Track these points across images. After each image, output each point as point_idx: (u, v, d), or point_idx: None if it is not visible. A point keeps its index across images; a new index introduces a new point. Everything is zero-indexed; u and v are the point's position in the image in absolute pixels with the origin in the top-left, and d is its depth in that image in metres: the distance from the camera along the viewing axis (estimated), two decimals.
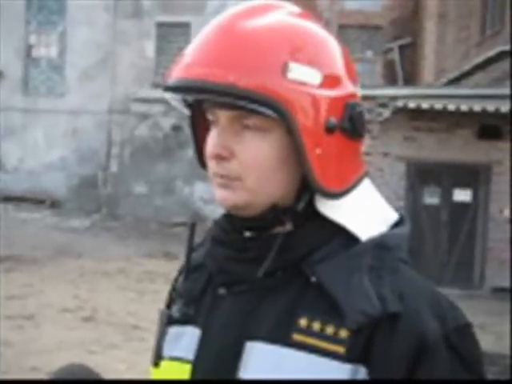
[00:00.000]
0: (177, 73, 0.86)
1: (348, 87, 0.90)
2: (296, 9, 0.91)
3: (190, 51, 0.87)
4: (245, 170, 0.86)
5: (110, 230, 15.15)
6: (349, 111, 0.88)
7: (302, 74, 0.84)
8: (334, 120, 0.86)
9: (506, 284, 9.95)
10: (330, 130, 0.86)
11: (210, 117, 0.90)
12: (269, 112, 0.83)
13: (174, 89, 0.88)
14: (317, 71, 0.85)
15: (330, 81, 0.87)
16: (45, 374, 5.01)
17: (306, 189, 0.88)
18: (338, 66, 0.89)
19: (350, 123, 0.88)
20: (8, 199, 16.71)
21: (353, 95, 0.90)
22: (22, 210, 16.21)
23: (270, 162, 0.86)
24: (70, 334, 6.49)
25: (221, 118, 0.88)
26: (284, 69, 0.83)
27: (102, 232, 14.83)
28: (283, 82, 0.82)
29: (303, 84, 0.84)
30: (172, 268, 9.97)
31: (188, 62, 0.85)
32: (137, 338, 6.56)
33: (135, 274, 10.04)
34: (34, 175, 17.54)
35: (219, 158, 0.87)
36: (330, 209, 0.89)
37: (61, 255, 11.21)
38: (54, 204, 17.16)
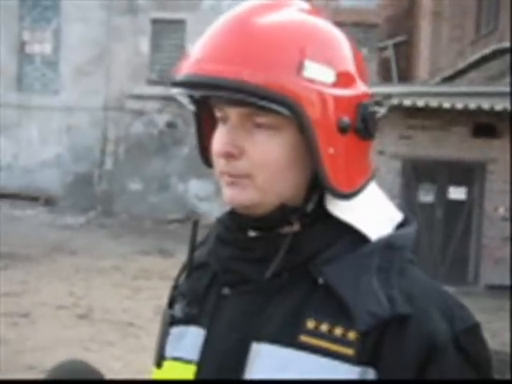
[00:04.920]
0: (187, 68, 0.84)
1: (360, 87, 0.89)
2: (306, 5, 0.90)
3: (201, 46, 0.85)
4: (255, 169, 0.85)
5: (104, 227, 15.11)
6: (362, 111, 0.87)
7: (317, 72, 0.83)
8: (347, 120, 0.85)
9: (501, 281, 9.99)
10: (343, 129, 0.85)
11: (217, 114, 0.88)
12: (282, 110, 0.81)
13: (184, 84, 0.86)
14: (331, 70, 0.84)
15: (344, 80, 0.86)
16: (40, 371, 5.00)
17: (316, 189, 0.87)
18: (351, 65, 0.88)
19: (363, 124, 0.87)
20: (2, 196, 16.64)
21: (365, 95, 0.89)
22: (17, 208, 16.15)
23: (281, 160, 0.85)
24: (66, 332, 6.47)
25: (231, 115, 0.86)
26: (299, 66, 0.82)
27: (97, 229, 14.80)
28: (298, 79, 0.81)
29: (317, 82, 0.83)
30: (167, 265, 10.00)
31: (199, 58, 0.83)
32: (132, 335, 6.55)
33: (130, 271, 10.01)
34: (29, 172, 17.48)
35: (229, 156, 0.85)
36: (340, 209, 0.88)
37: (56, 252, 11.17)
38: (49, 201, 17.10)
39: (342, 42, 0.89)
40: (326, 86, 0.83)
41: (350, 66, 0.88)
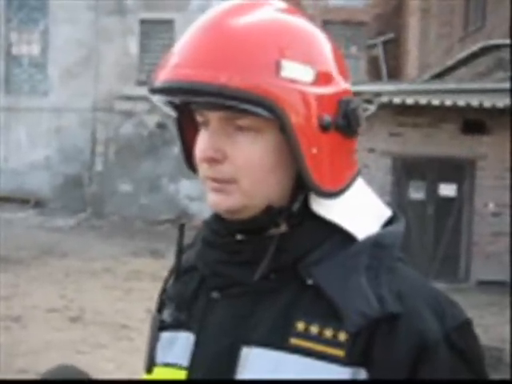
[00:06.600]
0: (164, 74, 0.83)
1: (341, 84, 0.88)
2: (283, 5, 0.89)
3: (177, 51, 0.84)
4: (239, 172, 0.84)
5: (95, 229, 15.06)
6: (343, 108, 0.86)
7: (295, 71, 0.82)
8: (328, 118, 0.84)
9: (492, 277, 10.04)
10: (324, 128, 0.84)
11: (198, 118, 0.87)
12: (262, 112, 0.80)
13: (162, 91, 0.85)
14: (309, 68, 0.83)
15: (323, 78, 0.85)
16: (33, 375, 4.98)
17: (301, 189, 0.86)
18: (330, 62, 0.87)
19: (345, 120, 0.86)
20: None
21: (346, 92, 0.88)
22: (6, 210, 16.06)
23: (265, 162, 0.84)
24: (58, 335, 6.44)
25: (212, 119, 0.85)
26: (277, 67, 0.80)
27: (88, 231, 14.74)
28: (276, 80, 0.80)
29: (296, 82, 0.82)
30: (159, 266, 9.98)
31: (175, 63, 0.82)
32: (125, 337, 6.53)
33: (122, 272, 9.98)
34: (18, 174, 17.38)
35: (211, 160, 0.84)
36: (325, 208, 0.87)
37: (46, 255, 11.12)
38: (39, 203, 17.02)
39: (320, 40, 0.88)
40: (305, 84, 0.82)
41: (330, 64, 0.87)
